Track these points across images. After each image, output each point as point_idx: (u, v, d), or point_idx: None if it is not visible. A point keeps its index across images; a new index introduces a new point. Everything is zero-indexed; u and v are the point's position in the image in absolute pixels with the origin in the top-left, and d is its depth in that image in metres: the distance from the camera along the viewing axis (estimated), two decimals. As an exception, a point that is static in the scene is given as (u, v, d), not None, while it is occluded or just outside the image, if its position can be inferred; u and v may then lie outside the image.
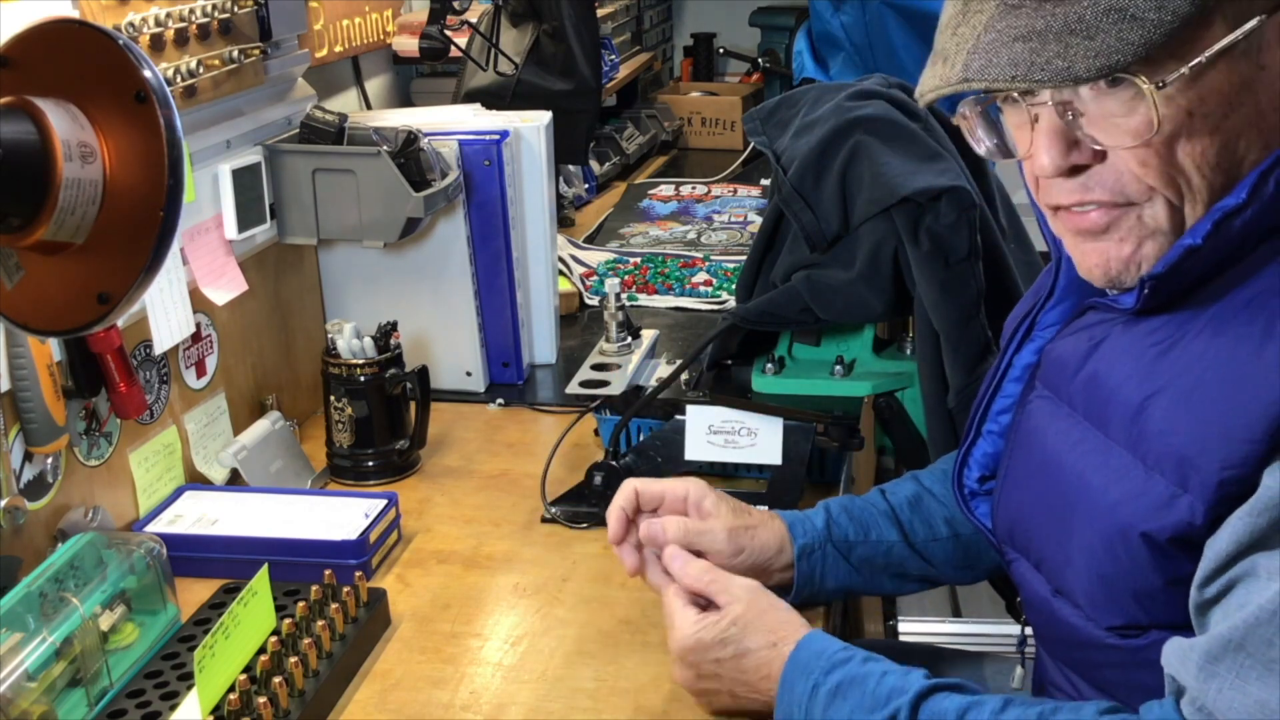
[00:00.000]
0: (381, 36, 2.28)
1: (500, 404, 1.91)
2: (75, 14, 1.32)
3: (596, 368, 1.78)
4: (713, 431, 1.53)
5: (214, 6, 1.55)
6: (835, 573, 1.29)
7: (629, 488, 1.28)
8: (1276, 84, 0.92)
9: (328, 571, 1.30)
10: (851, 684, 1.05)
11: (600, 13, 3.04)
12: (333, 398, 1.65)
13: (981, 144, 1.05)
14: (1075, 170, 0.97)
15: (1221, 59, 0.90)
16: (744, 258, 1.93)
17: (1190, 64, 0.89)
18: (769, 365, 1.69)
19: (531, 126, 1.93)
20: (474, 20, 2.45)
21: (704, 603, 1.18)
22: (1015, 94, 0.97)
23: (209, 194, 1.61)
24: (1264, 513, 0.86)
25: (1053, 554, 1.07)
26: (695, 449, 1.54)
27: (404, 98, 2.69)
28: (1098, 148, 0.96)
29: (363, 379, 1.63)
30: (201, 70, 1.52)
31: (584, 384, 1.72)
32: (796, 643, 1.10)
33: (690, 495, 1.28)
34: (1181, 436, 0.92)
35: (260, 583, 1.19)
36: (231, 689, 1.12)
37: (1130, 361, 0.99)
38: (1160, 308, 0.98)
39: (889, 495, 1.34)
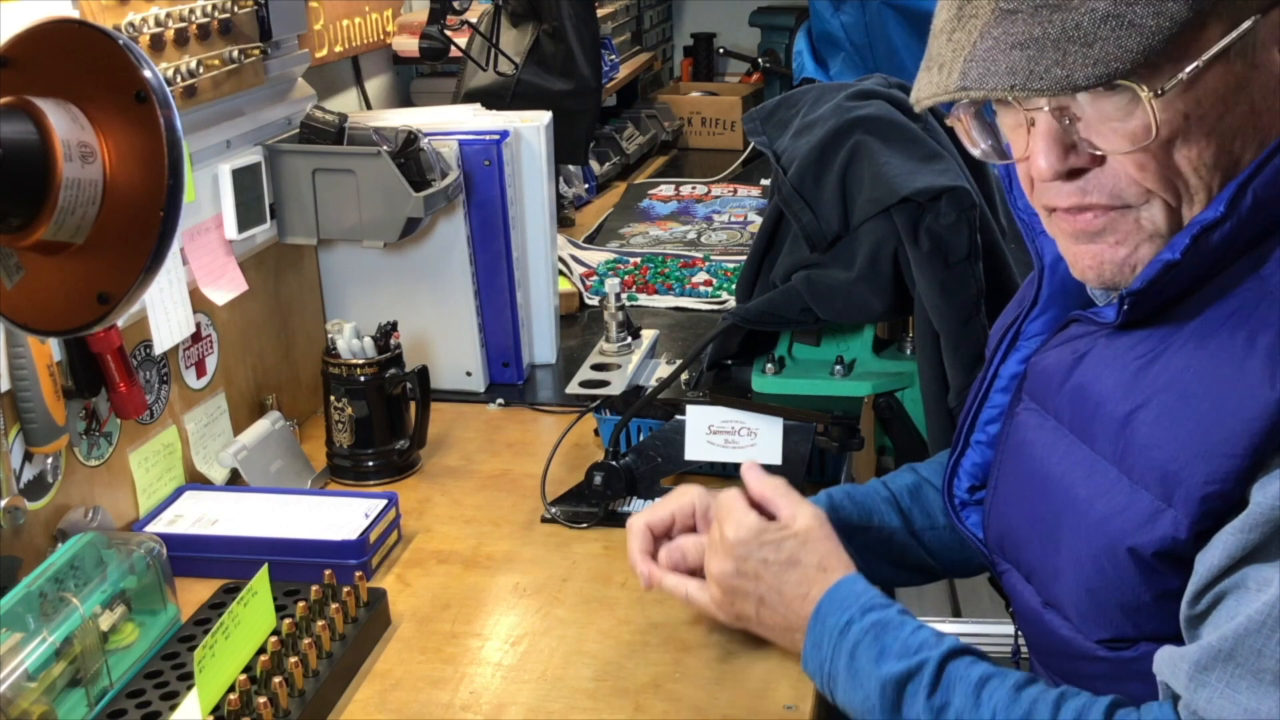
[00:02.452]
0: (381, 36, 2.28)
1: (500, 404, 1.91)
2: (75, 14, 1.32)
3: (596, 368, 1.77)
4: (713, 431, 1.53)
5: (214, 6, 1.55)
6: None
7: (639, 528, 1.28)
8: (1270, 83, 0.92)
9: (328, 571, 1.30)
10: (885, 628, 1.08)
11: (600, 13, 3.04)
12: (333, 398, 1.65)
13: (976, 146, 1.05)
14: (1073, 174, 0.97)
15: (1217, 61, 0.90)
16: (744, 258, 1.93)
17: (1188, 68, 0.89)
18: (769, 365, 1.69)
19: (531, 126, 1.93)
20: (474, 20, 2.45)
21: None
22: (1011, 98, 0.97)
23: (209, 194, 1.61)
24: (1255, 528, 0.86)
25: (1042, 566, 1.07)
26: (695, 449, 1.54)
27: (404, 98, 2.69)
28: (1095, 153, 0.95)
29: (363, 379, 1.63)
30: (201, 70, 1.52)
31: (584, 384, 1.72)
32: (841, 577, 1.14)
33: (696, 506, 1.29)
34: (1165, 451, 0.92)
35: (260, 583, 1.19)
36: (231, 689, 1.12)
37: (1115, 374, 0.99)
38: (1143, 321, 0.98)
39: (889, 483, 1.35)
